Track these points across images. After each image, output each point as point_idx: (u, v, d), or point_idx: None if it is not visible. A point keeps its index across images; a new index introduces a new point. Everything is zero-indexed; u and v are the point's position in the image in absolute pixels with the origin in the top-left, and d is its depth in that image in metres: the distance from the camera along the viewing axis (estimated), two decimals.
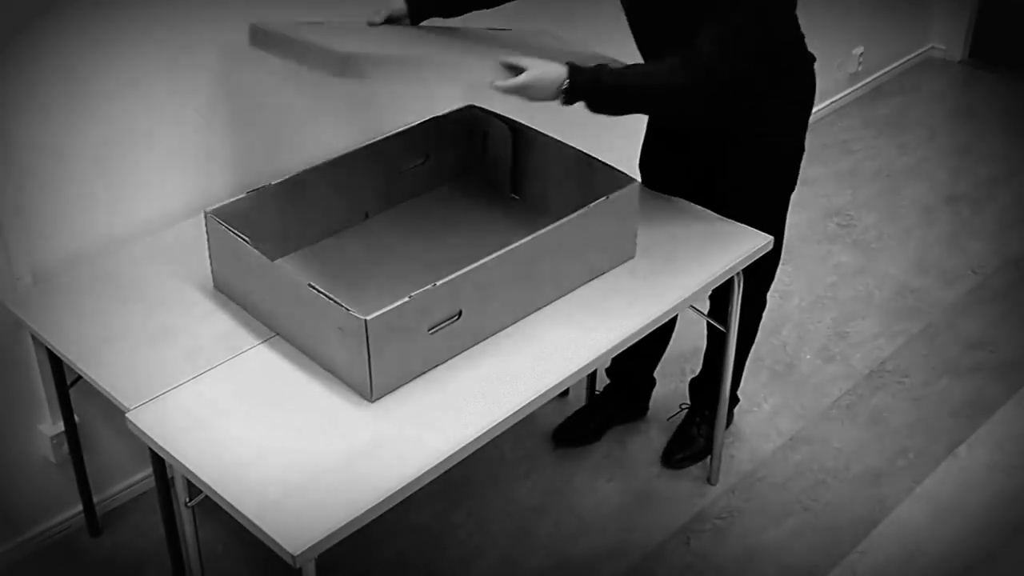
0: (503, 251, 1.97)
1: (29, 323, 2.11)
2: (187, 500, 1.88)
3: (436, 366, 1.98)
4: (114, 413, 1.95)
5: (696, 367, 2.87)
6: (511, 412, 1.89)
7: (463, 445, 1.83)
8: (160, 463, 1.99)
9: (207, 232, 2.10)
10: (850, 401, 2.95)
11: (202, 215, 2.11)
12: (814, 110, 4.15)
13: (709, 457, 2.69)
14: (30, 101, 2.12)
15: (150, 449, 1.87)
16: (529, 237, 2.01)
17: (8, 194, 2.15)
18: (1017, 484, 2.69)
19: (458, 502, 2.62)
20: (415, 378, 1.95)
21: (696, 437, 2.74)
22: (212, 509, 1.83)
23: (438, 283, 1.88)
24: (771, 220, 2.39)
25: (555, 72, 1.94)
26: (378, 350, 1.84)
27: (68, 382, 2.26)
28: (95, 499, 2.49)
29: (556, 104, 2.01)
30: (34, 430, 2.38)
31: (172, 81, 2.31)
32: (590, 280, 2.19)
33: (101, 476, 2.51)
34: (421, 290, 1.87)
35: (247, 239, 2.00)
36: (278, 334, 2.04)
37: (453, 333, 1.97)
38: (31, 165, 2.17)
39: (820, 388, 3.00)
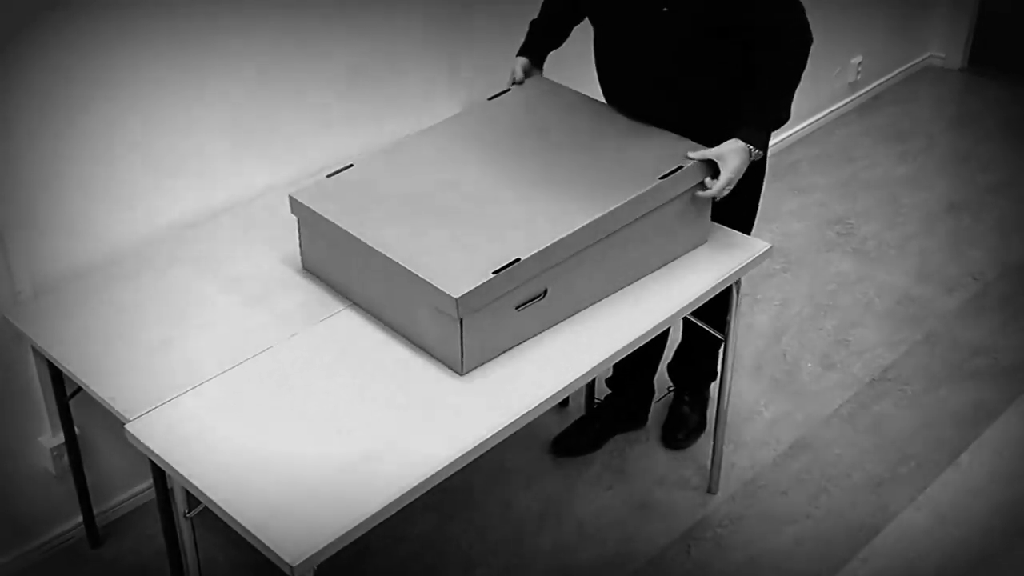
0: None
1: (29, 335, 2.12)
2: (186, 511, 1.89)
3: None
4: (114, 424, 1.95)
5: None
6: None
7: (458, 456, 1.84)
8: (160, 474, 1.99)
9: (296, 216, 2.15)
10: (851, 409, 2.95)
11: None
12: (813, 119, 4.25)
13: (710, 465, 2.69)
14: (30, 114, 2.13)
15: (150, 460, 1.87)
16: (609, 209, 2.07)
17: (8, 207, 2.16)
18: (1018, 492, 2.68)
19: (458, 511, 2.61)
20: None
21: (689, 414, 2.80)
22: (214, 519, 1.83)
23: (522, 259, 1.95)
24: (744, 223, 2.46)
25: (740, 153, 2.18)
26: (472, 326, 1.92)
27: (68, 394, 2.26)
28: (95, 510, 2.49)
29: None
30: (34, 442, 2.39)
31: (172, 96, 2.32)
32: (667, 263, 2.25)
33: (101, 487, 2.51)
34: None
35: (335, 220, 2.06)
36: (367, 310, 2.12)
37: (539, 311, 2.04)
38: (31, 178, 2.18)
39: (821, 396, 2.99)
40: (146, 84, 2.27)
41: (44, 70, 2.11)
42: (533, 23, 2.52)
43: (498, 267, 1.93)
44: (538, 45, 2.51)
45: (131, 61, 2.23)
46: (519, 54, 2.50)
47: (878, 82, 4.53)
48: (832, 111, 4.33)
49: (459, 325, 1.91)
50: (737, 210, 2.43)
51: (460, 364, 1.96)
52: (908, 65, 4.70)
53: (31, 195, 2.19)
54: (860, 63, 4.34)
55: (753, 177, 2.44)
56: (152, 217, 2.39)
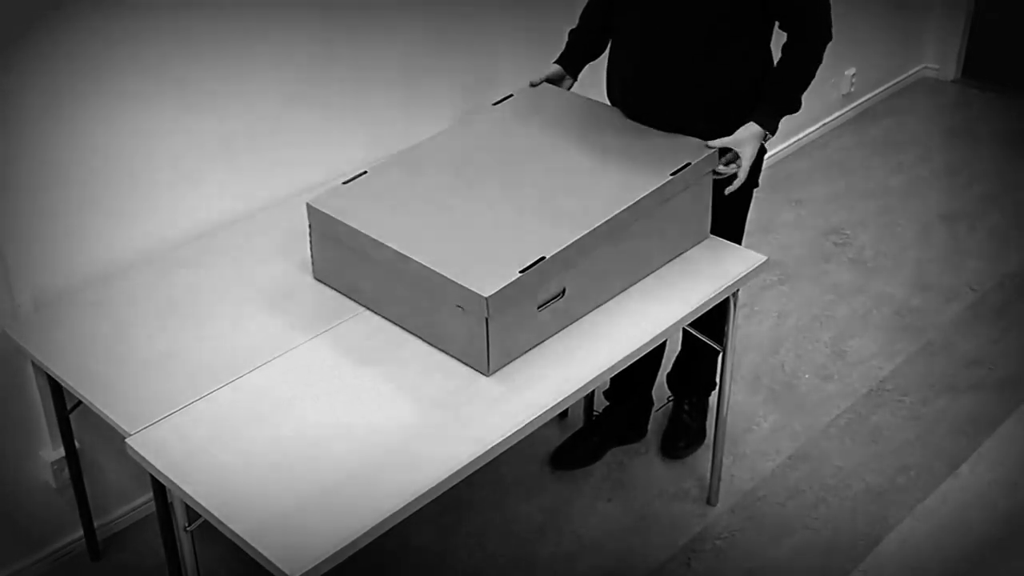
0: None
1: (29, 350, 2.12)
2: (187, 524, 1.89)
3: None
4: (114, 438, 1.96)
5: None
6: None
7: (457, 468, 1.84)
8: (160, 487, 1.99)
9: (311, 223, 2.16)
10: (849, 419, 2.96)
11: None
12: (808, 130, 4.27)
13: (709, 476, 2.70)
14: (29, 128, 2.14)
15: (150, 473, 1.87)
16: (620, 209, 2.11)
17: (8, 222, 2.16)
18: (1018, 501, 2.69)
19: (458, 524, 2.62)
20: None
21: (690, 423, 2.81)
22: (214, 532, 1.83)
23: (544, 262, 1.98)
24: (734, 230, 2.48)
25: (757, 137, 2.27)
26: (497, 326, 1.94)
27: (68, 407, 2.26)
28: (96, 524, 2.49)
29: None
30: (35, 455, 2.39)
31: (173, 108, 2.33)
32: (671, 260, 2.29)
33: (102, 501, 2.51)
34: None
35: (354, 225, 2.07)
36: (386, 317, 2.13)
37: (559, 312, 2.06)
38: (31, 193, 2.18)
39: (819, 407, 3.00)
40: (148, 95, 2.28)
41: (44, 80, 2.12)
42: (571, 32, 2.53)
43: (524, 266, 1.95)
44: (573, 53, 2.52)
45: (133, 71, 2.24)
46: (555, 62, 2.52)
47: (872, 94, 4.55)
48: (827, 123, 4.35)
49: (485, 325, 1.93)
50: (728, 221, 2.44)
51: (487, 364, 1.97)
52: (902, 77, 4.72)
53: (30, 208, 2.19)
54: (854, 75, 4.36)
55: (743, 189, 2.46)
56: (152, 230, 2.40)
